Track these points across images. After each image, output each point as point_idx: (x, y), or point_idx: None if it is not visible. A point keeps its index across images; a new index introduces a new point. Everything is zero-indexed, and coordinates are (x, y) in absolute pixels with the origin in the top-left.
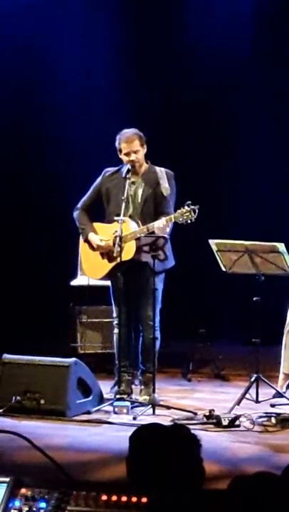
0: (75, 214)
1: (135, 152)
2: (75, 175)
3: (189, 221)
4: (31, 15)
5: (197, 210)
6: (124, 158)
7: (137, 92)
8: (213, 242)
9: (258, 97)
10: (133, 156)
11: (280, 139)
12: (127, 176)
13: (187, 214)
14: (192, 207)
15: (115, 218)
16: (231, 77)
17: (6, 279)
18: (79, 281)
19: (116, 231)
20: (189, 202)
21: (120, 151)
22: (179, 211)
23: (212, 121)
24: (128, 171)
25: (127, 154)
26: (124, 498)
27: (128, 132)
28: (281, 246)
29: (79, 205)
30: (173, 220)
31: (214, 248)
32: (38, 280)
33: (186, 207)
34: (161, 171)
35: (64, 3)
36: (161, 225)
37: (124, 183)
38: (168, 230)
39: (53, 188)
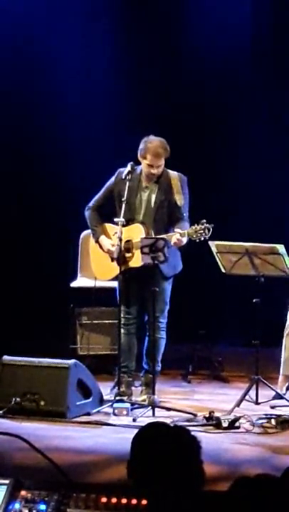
0: (87, 213)
1: (158, 167)
2: (76, 177)
3: (202, 238)
4: (31, 18)
5: (211, 229)
6: (145, 167)
7: (137, 96)
8: (213, 244)
9: (258, 100)
10: (155, 170)
11: (281, 141)
12: (127, 178)
13: (201, 232)
14: (206, 225)
15: (115, 220)
16: (231, 79)
17: (6, 280)
18: (79, 282)
19: (115, 232)
20: (204, 220)
21: (144, 157)
22: (193, 227)
23: (212, 122)
24: (129, 172)
25: (150, 166)
26: (124, 501)
27: (158, 146)
28: (281, 247)
29: (91, 204)
30: (186, 236)
31: (214, 250)
32: (38, 281)
33: (200, 225)
34: (174, 176)
35: (64, 5)
36: (177, 240)
37: (139, 186)
38: (184, 242)
39: (53, 190)
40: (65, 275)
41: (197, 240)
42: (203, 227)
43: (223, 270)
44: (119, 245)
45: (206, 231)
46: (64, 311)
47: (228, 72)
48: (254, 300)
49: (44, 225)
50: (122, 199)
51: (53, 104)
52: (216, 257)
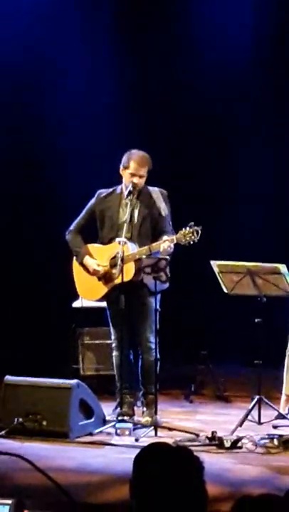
0: (68, 236)
1: (141, 177)
2: (77, 198)
3: (192, 242)
4: (32, 42)
5: (200, 231)
6: (127, 177)
7: (135, 115)
8: (214, 264)
9: (259, 116)
10: (137, 180)
11: (281, 158)
12: (129, 198)
13: (190, 235)
14: (195, 228)
15: (117, 240)
16: (232, 93)
17: (7, 300)
18: (81, 302)
19: (117, 252)
20: (192, 223)
21: (126, 167)
22: (182, 232)
23: (211, 141)
24: (130, 192)
25: (133, 175)
26: None
27: (141, 155)
28: (283, 267)
29: (72, 228)
30: (175, 241)
31: (216, 269)
32: (40, 301)
33: (188, 228)
34: (155, 191)
35: (64, 25)
36: (166, 247)
37: (120, 204)
38: (171, 250)
39: (56, 210)
40: (67, 295)
41: (187, 244)
42: (191, 230)
43: (225, 290)
44: (121, 265)
45: (195, 234)
46: (66, 331)
47: (228, 89)
48: (256, 320)
49: (46, 245)
50: (123, 219)
51: (52, 131)
52: (218, 277)
